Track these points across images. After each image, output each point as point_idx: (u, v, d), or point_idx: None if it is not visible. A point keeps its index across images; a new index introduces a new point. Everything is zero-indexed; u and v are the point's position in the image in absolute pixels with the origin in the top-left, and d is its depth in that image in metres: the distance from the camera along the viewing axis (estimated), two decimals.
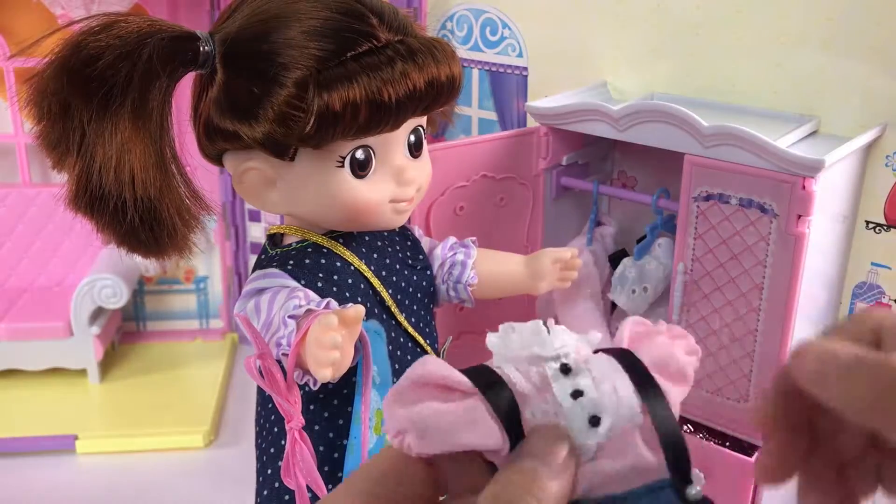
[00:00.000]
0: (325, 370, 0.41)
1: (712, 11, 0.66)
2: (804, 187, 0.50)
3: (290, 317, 0.44)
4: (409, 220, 0.59)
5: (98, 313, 0.88)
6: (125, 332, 0.99)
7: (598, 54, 0.73)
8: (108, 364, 0.92)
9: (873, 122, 0.60)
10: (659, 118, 0.56)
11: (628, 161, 0.72)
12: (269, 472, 0.51)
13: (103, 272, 0.86)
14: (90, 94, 0.43)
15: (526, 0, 0.77)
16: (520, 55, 0.79)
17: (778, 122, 0.62)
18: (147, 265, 0.93)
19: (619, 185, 0.72)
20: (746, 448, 0.57)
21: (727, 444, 0.58)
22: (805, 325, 0.54)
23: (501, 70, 0.80)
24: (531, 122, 0.79)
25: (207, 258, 0.97)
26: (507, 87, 0.80)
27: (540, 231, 0.67)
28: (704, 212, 0.53)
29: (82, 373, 0.89)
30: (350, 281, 0.50)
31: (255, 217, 0.95)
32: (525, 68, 0.79)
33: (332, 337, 0.40)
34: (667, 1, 0.68)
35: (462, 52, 0.82)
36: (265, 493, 0.51)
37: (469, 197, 0.62)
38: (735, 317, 0.54)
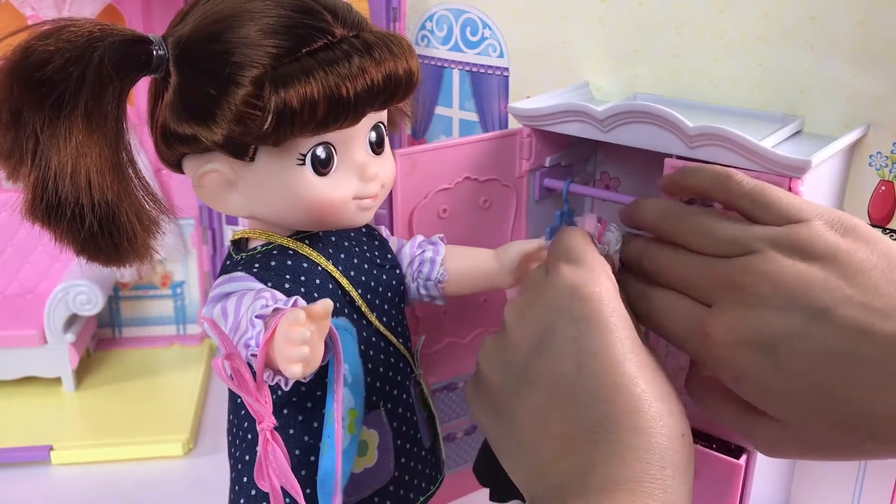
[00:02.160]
0: (295, 366, 0.40)
1: (694, 11, 0.65)
2: (791, 188, 0.49)
3: (257, 317, 0.43)
4: (392, 224, 0.59)
5: (72, 320, 0.87)
6: (100, 338, 0.97)
7: (579, 54, 0.72)
8: (83, 372, 0.91)
9: (857, 122, 0.60)
10: (643, 119, 0.55)
11: (611, 162, 0.71)
12: (245, 479, 0.50)
13: (77, 278, 0.85)
14: (41, 100, 0.42)
15: (507, 0, 0.76)
16: (500, 55, 0.78)
17: (761, 122, 0.61)
18: (122, 270, 0.91)
19: (602, 187, 0.72)
20: (733, 450, 0.57)
21: (714, 446, 0.57)
22: None
23: (482, 71, 0.80)
24: (513, 123, 0.78)
25: (184, 263, 0.95)
26: (488, 87, 0.80)
27: (523, 233, 0.66)
28: None
29: (57, 381, 0.87)
30: (318, 282, 0.49)
31: (232, 221, 0.94)
32: (506, 69, 0.78)
33: (300, 332, 0.40)
34: (648, 0, 0.67)
35: (442, 52, 0.82)
36: (242, 501, 0.50)
37: (452, 199, 0.61)
38: None
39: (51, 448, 0.78)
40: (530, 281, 0.46)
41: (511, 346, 0.43)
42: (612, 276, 0.44)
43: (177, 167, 0.49)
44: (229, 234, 0.95)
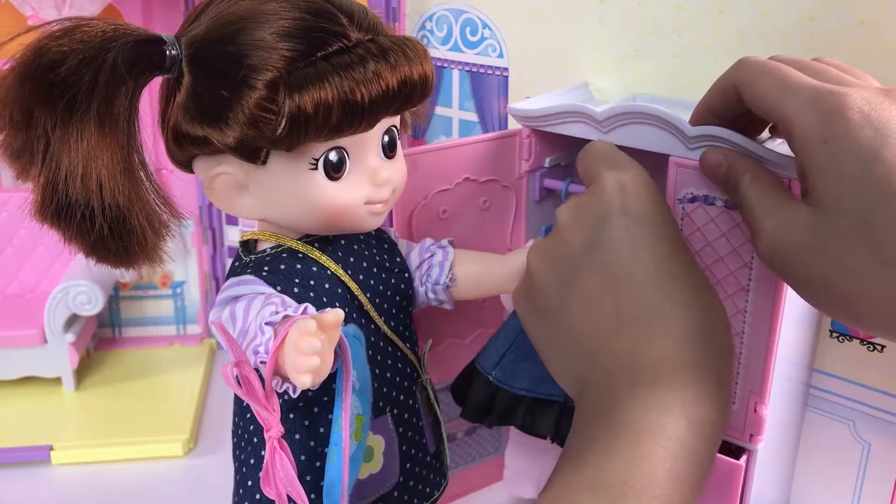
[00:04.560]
0: (305, 377, 0.40)
1: (694, 11, 0.65)
2: (790, 187, 0.49)
3: (266, 323, 0.43)
4: (392, 225, 0.59)
5: (73, 320, 0.87)
6: (101, 338, 0.97)
7: (579, 55, 0.72)
8: (83, 372, 0.91)
9: None
10: (642, 120, 0.55)
11: None
12: (250, 483, 0.50)
13: (78, 278, 0.85)
14: (53, 101, 0.42)
15: (506, 0, 0.76)
16: (500, 56, 0.78)
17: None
18: (125, 271, 0.91)
19: None
20: (734, 450, 0.56)
21: None
22: (790, 325, 0.54)
23: (482, 71, 0.80)
24: (513, 123, 0.78)
25: (184, 263, 0.95)
26: (487, 87, 0.80)
27: (523, 233, 0.66)
28: (689, 214, 0.53)
29: (57, 381, 0.87)
30: (327, 286, 0.49)
31: (232, 221, 0.94)
32: (506, 69, 0.78)
33: (311, 342, 0.39)
34: (648, 1, 0.67)
35: (441, 52, 0.82)
36: None
37: (452, 201, 0.61)
38: None
39: (51, 448, 0.78)
40: (574, 196, 0.49)
41: (565, 242, 0.46)
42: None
43: (187, 168, 0.49)
44: (229, 234, 0.95)
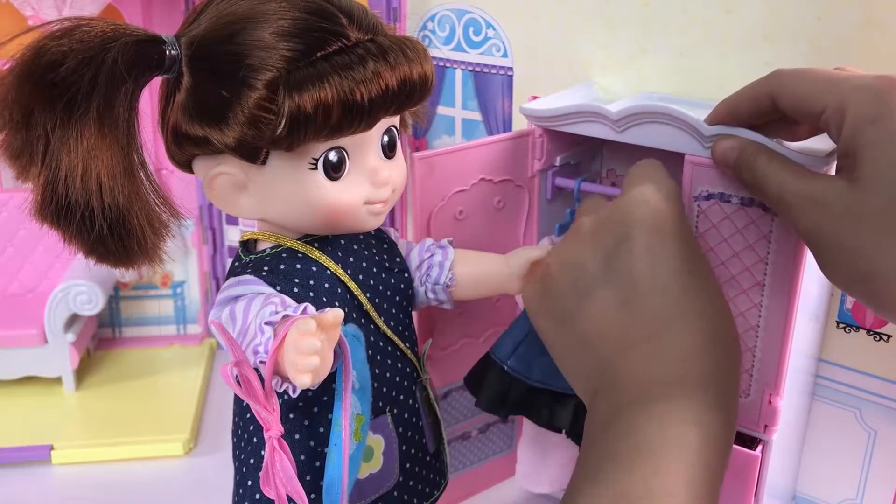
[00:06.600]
0: (305, 376, 0.40)
1: (700, 10, 0.65)
2: None
3: (266, 323, 0.43)
4: (406, 226, 0.58)
5: (73, 320, 0.87)
6: (101, 338, 0.97)
7: (584, 53, 0.72)
8: (83, 371, 0.90)
9: None
10: (657, 119, 0.55)
11: (618, 159, 0.71)
12: (249, 483, 0.50)
13: (78, 278, 0.84)
14: (53, 101, 0.42)
15: (510, 0, 0.76)
16: (504, 55, 0.78)
17: None
18: (125, 271, 0.91)
19: (609, 184, 0.72)
20: (748, 441, 0.57)
21: None
22: (801, 318, 0.54)
23: (486, 70, 0.79)
24: (516, 121, 0.78)
25: (184, 263, 0.95)
26: (491, 87, 0.79)
27: (535, 232, 0.66)
28: (705, 211, 0.53)
29: (57, 381, 0.87)
30: (327, 286, 0.49)
31: (232, 221, 0.94)
32: (510, 68, 0.78)
33: (310, 342, 0.39)
34: (654, 1, 0.67)
35: (444, 52, 0.81)
36: None
37: (468, 201, 0.62)
38: (737, 313, 0.54)
39: (51, 448, 0.78)
40: (594, 203, 0.52)
41: (585, 251, 0.47)
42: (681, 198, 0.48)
43: (187, 168, 0.49)
44: (229, 234, 0.95)
